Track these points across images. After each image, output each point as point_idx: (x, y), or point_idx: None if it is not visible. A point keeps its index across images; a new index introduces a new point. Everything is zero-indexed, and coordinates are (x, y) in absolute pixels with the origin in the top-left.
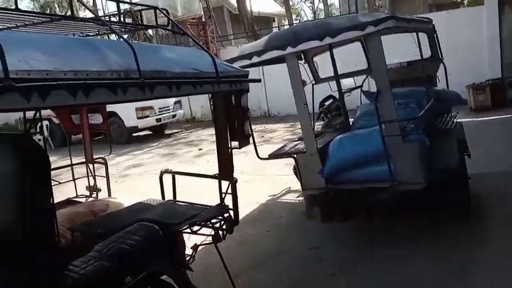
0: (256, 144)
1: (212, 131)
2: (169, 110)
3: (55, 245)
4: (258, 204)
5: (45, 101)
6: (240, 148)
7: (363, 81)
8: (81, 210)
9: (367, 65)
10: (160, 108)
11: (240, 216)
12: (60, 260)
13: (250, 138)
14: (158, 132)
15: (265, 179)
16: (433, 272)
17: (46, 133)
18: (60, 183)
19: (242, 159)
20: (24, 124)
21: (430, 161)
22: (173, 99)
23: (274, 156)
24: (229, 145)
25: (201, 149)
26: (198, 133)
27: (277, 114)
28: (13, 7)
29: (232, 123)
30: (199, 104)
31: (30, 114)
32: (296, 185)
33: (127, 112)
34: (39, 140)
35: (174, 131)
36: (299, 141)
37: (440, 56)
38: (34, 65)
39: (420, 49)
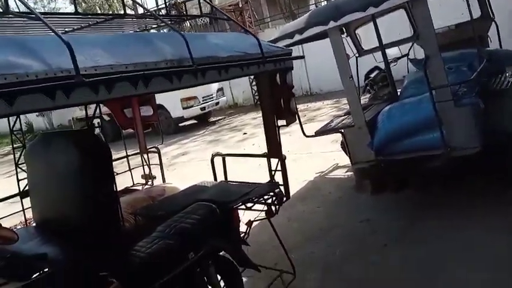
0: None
1: (255, 115)
2: (212, 98)
3: (120, 228)
4: (306, 182)
5: (111, 93)
6: (287, 125)
7: (409, 49)
8: (141, 196)
9: (412, 32)
10: (203, 97)
11: (290, 193)
12: (126, 241)
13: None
14: (203, 121)
15: (312, 156)
16: (485, 237)
17: (97, 130)
18: (117, 174)
19: (287, 139)
20: (86, 121)
21: (485, 124)
22: (216, 88)
23: (321, 132)
24: (276, 123)
25: (245, 133)
26: (241, 118)
27: (320, 92)
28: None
29: (278, 102)
30: (241, 89)
31: (83, 113)
32: (343, 160)
33: (173, 103)
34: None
35: (218, 118)
36: (346, 116)
37: (491, 15)
38: (99, 61)
39: (470, 9)
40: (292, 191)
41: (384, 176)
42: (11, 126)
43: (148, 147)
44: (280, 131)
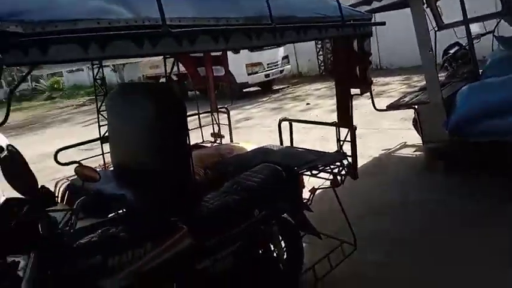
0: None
1: (319, 85)
2: (277, 65)
3: (192, 179)
4: (372, 158)
5: (193, 46)
6: (361, 94)
7: (495, 26)
8: (211, 152)
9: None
10: (268, 64)
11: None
12: (196, 192)
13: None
14: (266, 88)
15: (379, 133)
16: None
17: None
18: (188, 130)
19: (353, 112)
20: (165, 75)
21: None
22: (281, 55)
23: (392, 107)
24: (349, 92)
25: (308, 104)
26: (305, 88)
27: (390, 67)
28: None
29: (353, 70)
30: (306, 58)
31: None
32: (412, 139)
33: (238, 69)
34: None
35: (281, 86)
36: (420, 92)
37: None
38: (183, 12)
39: None
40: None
41: (458, 158)
42: (95, 74)
43: (218, 107)
44: None
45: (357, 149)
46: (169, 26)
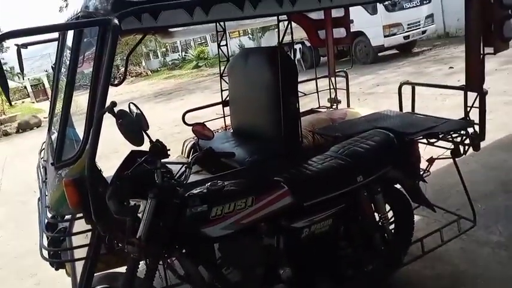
0: None
1: None
2: (419, 25)
3: (299, 142)
4: None
5: (294, 6)
6: (494, 53)
7: None
8: (322, 117)
9: None
10: (409, 25)
11: (491, 140)
12: (302, 155)
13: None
14: (405, 51)
15: None
16: None
17: (298, 55)
18: (305, 94)
19: (504, 76)
20: (278, 36)
21: None
22: (424, 14)
23: None
24: (482, 50)
25: (451, 68)
26: (450, 50)
27: None
28: None
29: (487, 24)
30: (455, 17)
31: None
32: None
33: (374, 31)
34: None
35: (423, 48)
36: None
37: None
38: None
39: None
40: (495, 137)
41: None
42: (218, 41)
43: (337, 70)
44: (498, 67)
45: (502, 117)
46: None
